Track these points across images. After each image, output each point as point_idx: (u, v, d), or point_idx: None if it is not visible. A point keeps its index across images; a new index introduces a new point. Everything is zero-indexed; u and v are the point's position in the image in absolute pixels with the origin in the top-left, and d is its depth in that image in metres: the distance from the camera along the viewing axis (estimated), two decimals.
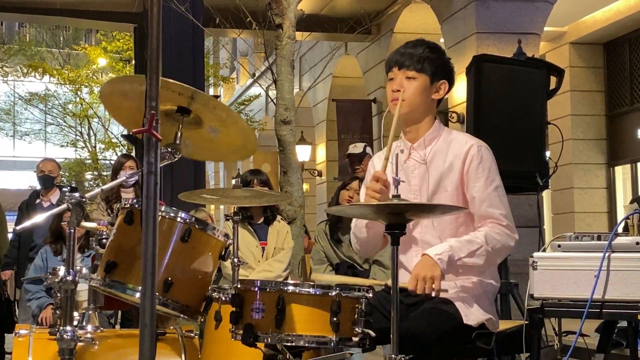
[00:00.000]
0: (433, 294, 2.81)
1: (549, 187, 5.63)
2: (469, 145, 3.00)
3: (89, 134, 24.19)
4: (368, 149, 7.13)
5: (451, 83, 3.10)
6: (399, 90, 2.99)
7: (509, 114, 4.93)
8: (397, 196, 2.57)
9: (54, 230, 5.63)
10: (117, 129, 22.07)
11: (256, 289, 2.64)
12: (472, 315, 2.92)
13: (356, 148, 7.09)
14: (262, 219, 5.58)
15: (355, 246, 3.25)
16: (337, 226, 5.66)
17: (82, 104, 23.39)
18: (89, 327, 3.53)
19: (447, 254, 2.84)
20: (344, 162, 12.06)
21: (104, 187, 3.28)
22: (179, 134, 2.97)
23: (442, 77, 3.05)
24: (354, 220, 3.21)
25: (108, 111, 3.37)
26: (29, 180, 21.25)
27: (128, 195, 5.85)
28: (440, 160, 3.02)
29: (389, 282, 3.02)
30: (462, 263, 2.88)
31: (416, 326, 2.77)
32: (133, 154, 11.36)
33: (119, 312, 5.78)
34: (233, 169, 23.69)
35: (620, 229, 3.31)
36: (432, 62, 3.01)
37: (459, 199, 2.98)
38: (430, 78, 3.01)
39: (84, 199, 2.85)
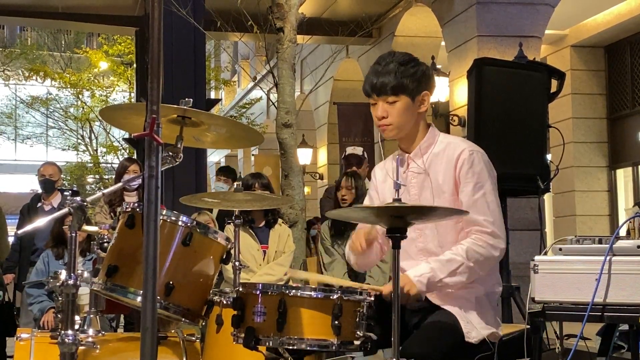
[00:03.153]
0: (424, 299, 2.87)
1: (550, 190, 5.63)
2: (461, 150, 2.98)
3: (90, 138, 24.21)
4: (365, 154, 7.17)
5: (432, 89, 3.08)
6: (383, 117, 2.98)
7: (510, 117, 4.93)
8: (398, 200, 2.57)
9: (56, 234, 5.63)
10: (119, 133, 22.08)
11: (258, 292, 2.64)
12: (474, 331, 2.90)
13: (355, 150, 7.13)
14: (263, 223, 5.58)
15: (352, 263, 3.25)
16: (340, 227, 5.67)
17: (83, 108, 23.42)
18: (91, 331, 3.53)
19: (426, 276, 2.86)
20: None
21: (105, 191, 3.28)
22: (180, 138, 2.97)
23: (422, 89, 3.00)
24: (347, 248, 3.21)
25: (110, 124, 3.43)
26: (31, 184, 21.23)
27: (131, 198, 5.86)
28: (437, 166, 3.01)
29: (364, 286, 3.05)
30: (443, 284, 2.88)
31: (419, 348, 2.76)
32: (135, 157, 11.37)
33: (121, 316, 5.78)
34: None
35: (621, 232, 3.31)
36: (408, 79, 2.95)
37: (456, 203, 2.97)
38: (411, 96, 2.97)
39: (85, 203, 2.85)
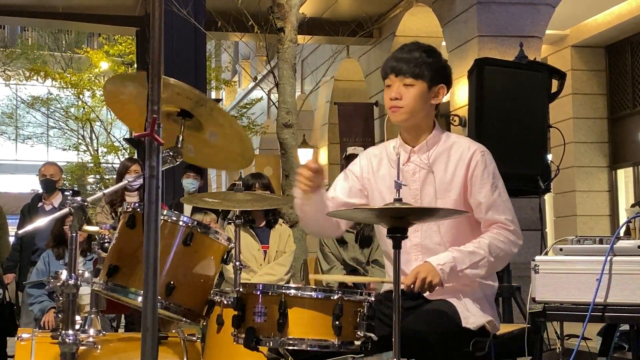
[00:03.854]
0: (425, 295, 2.85)
1: (551, 190, 5.63)
2: (473, 151, 2.99)
3: (91, 138, 24.22)
4: None
5: (449, 86, 3.08)
6: (397, 99, 2.96)
7: (511, 117, 4.93)
8: (399, 200, 2.56)
9: (56, 234, 5.63)
10: (120, 133, 22.10)
11: (258, 292, 2.64)
12: (472, 317, 2.91)
13: (356, 150, 7.10)
14: (263, 223, 5.58)
15: (306, 229, 3.21)
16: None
17: (84, 108, 23.43)
18: (91, 331, 3.53)
19: (449, 265, 2.83)
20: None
21: (106, 191, 3.29)
22: (181, 138, 2.97)
23: (440, 81, 3.01)
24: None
25: (113, 112, 3.39)
26: (31, 184, 21.26)
27: (133, 198, 5.86)
28: (442, 164, 3.01)
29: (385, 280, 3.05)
30: (463, 274, 2.88)
31: (414, 325, 2.76)
32: (136, 157, 11.35)
33: (122, 316, 5.78)
34: (235, 172, 23.69)
35: (622, 232, 3.31)
36: (429, 67, 2.96)
37: (462, 204, 2.97)
38: (428, 84, 2.97)
39: (86, 203, 2.85)
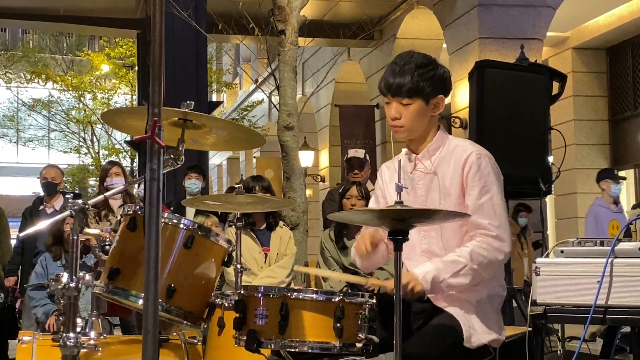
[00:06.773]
0: (432, 299, 2.87)
1: (552, 192, 5.63)
2: (469, 153, 2.97)
3: (92, 140, 24.26)
4: (368, 157, 7.14)
5: (447, 93, 3.07)
6: (397, 118, 2.97)
7: (512, 119, 4.93)
8: (400, 202, 2.56)
9: (56, 234, 5.60)
10: (121, 135, 22.12)
11: (259, 294, 2.64)
12: (474, 336, 2.89)
13: (357, 152, 7.10)
14: (264, 225, 5.58)
15: (358, 265, 3.27)
16: (343, 232, 5.67)
17: (85, 110, 23.46)
18: (92, 334, 3.53)
19: (431, 274, 2.85)
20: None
21: (107, 194, 3.29)
22: (182, 141, 2.97)
23: (438, 92, 2.99)
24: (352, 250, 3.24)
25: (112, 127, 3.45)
26: (33, 187, 21.27)
27: (116, 202, 5.86)
28: (444, 169, 3.00)
29: (369, 281, 3.07)
30: (447, 284, 2.87)
31: (418, 348, 2.76)
32: (137, 159, 11.34)
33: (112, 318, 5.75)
34: (236, 175, 23.70)
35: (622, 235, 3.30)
36: (425, 83, 2.94)
37: (462, 206, 2.96)
38: (426, 99, 2.96)
39: (86, 206, 2.85)
